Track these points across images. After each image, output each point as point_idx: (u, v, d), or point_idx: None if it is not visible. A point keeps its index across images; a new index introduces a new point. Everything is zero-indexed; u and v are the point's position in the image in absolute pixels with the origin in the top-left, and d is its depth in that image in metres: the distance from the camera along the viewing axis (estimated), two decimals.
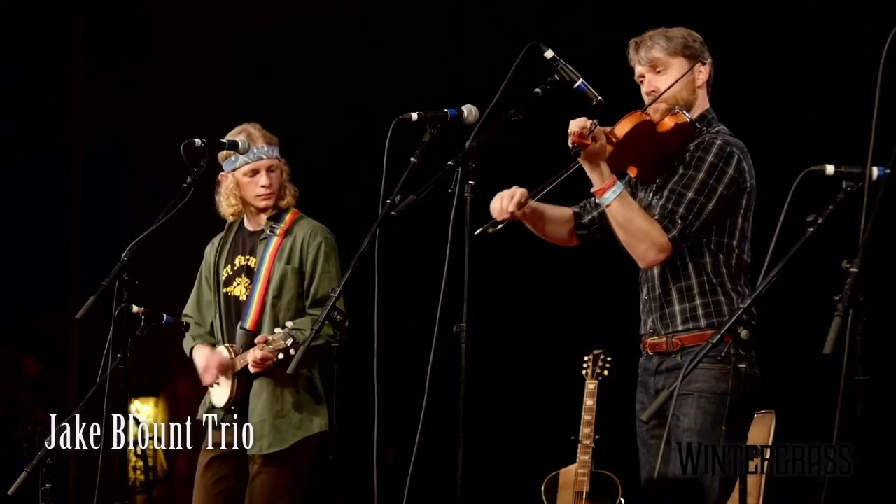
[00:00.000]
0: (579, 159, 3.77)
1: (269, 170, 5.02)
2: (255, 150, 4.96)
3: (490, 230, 3.86)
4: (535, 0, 6.74)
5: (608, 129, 3.80)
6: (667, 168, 3.92)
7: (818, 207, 3.28)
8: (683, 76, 3.90)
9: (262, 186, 5.01)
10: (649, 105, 3.90)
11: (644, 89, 3.98)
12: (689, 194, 3.82)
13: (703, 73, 3.96)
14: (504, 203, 3.88)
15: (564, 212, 4.13)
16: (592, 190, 3.85)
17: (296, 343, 4.70)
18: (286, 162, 5.11)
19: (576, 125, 3.73)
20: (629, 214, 3.82)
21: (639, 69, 3.99)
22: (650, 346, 3.95)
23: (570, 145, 3.75)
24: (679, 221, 3.80)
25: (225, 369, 4.98)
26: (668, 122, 3.87)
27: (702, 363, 3.47)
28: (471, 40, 6.90)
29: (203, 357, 5.03)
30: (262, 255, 5.04)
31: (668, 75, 3.93)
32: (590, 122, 3.73)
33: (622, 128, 3.82)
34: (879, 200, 3.17)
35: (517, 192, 3.89)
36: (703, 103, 3.99)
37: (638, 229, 3.81)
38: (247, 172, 5.02)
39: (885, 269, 4.25)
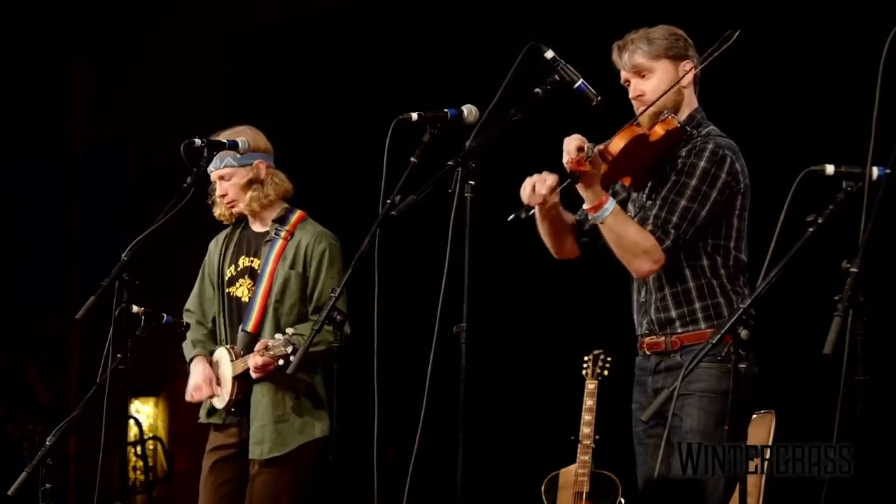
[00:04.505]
0: (577, 185, 3.75)
1: (221, 179, 5.01)
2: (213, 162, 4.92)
3: (523, 215, 3.77)
4: (535, 0, 6.74)
5: (602, 146, 3.75)
6: (660, 171, 3.90)
7: (818, 207, 3.28)
8: (672, 87, 3.86)
9: (221, 197, 5.03)
10: (639, 116, 3.87)
11: (630, 94, 3.95)
12: (683, 202, 3.80)
13: (688, 72, 3.92)
14: (538, 187, 3.76)
15: (570, 217, 4.08)
16: (585, 207, 3.83)
17: (296, 350, 4.69)
18: (260, 163, 4.99)
19: (572, 149, 3.69)
20: (622, 229, 3.79)
21: (623, 74, 3.96)
22: (648, 346, 3.94)
23: (568, 172, 3.72)
24: (672, 231, 3.78)
25: (214, 392, 5.00)
26: (659, 131, 3.83)
27: (702, 363, 3.45)
28: (471, 40, 6.89)
29: (197, 375, 5.01)
30: (266, 257, 5.01)
31: (653, 79, 3.90)
32: (587, 145, 3.69)
33: (616, 145, 3.76)
34: (879, 200, 3.17)
35: (549, 177, 3.77)
36: (691, 102, 3.96)
37: (632, 243, 3.79)
38: (212, 182, 5.05)
39: (885, 269, 4.25)
